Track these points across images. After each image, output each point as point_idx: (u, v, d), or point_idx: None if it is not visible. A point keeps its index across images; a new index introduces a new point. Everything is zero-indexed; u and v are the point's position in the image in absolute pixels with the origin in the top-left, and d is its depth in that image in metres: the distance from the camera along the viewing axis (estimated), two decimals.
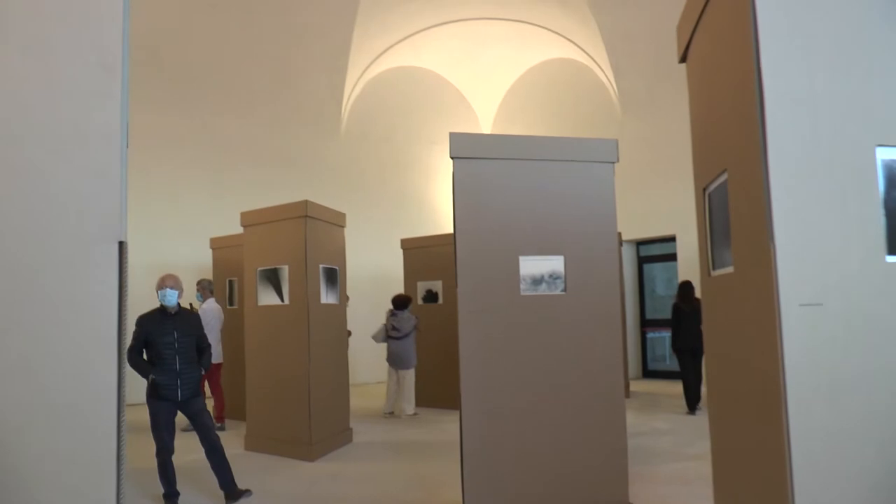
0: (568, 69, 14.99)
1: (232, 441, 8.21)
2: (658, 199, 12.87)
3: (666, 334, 13.70)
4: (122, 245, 1.27)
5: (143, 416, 5.53)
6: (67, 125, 1.28)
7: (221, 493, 5.67)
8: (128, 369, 5.11)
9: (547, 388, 4.89)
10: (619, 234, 10.49)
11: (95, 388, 1.23)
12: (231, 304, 10.09)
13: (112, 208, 1.25)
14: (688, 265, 12.10)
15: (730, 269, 2.41)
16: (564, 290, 4.94)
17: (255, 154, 13.68)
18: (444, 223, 14.86)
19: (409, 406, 9.86)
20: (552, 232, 4.95)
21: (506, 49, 15.29)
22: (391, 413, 10.02)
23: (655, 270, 14.47)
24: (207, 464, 5.67)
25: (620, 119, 13.65)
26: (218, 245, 10.43)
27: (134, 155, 11.39)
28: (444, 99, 16.14)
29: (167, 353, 5.36)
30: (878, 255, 1.94)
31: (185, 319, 5.58)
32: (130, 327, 4.83)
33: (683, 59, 3.14)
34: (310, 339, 7.33)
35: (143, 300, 8.32)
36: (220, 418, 9.18)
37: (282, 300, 7.64)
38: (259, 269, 7.88)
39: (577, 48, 14.39)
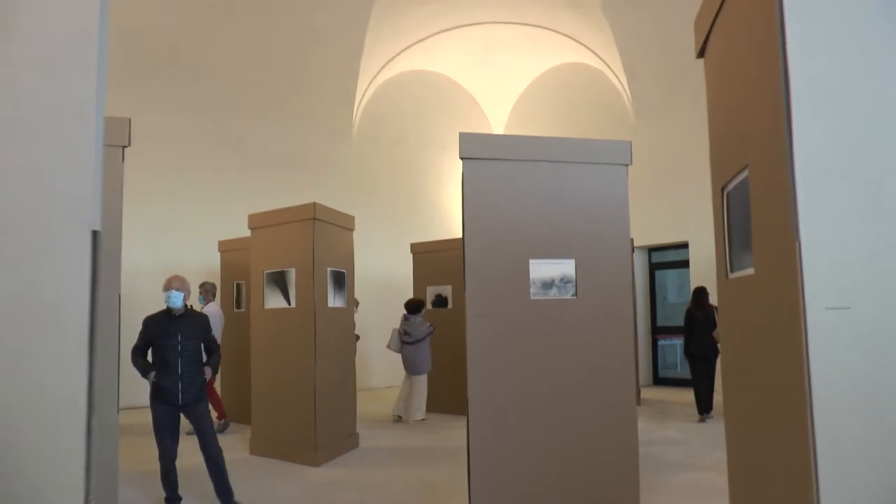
0: (581, 74, 14.88)
1: (237, 445, 8.14)
2: (671, 205, 12.75)
3: (677, 342, 13.61)
4: (95, 235, 1.17)
5: (148, 418, 5.45)
6: (33, 99, 1.18)
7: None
8: (131, 370, 4.97)
9: (556, 395, 4.76)
10: (631, 239, 10.38)
11: (63, 391, 1.13)
12: (238, 307, 10.04)
13: (84, 193, 1.15)
14: (700, 272, 11.97)
15: (750, 271, 2.29)
16: (575, 294, 4.82)
17: (266, 157, 13.63)
18: (454, 228, 14.76)
19: (418, 412, 9.75)
20: (563, 235, 4.84)
21: (518, 53, 15.20)
22: (399, 417, 9.90)
23: (667, 277, 14.33)
24: None
25: (633, 124, 13.52)
26: (226, 248, 10.39)
27: (144, 156, 11.50)
28: (456, 103, 16.07)
29: (170, 355, 5.27)
30: None
31: (191, 322, 5.45)
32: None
33: (701, 55, 3.03)
34: (316, 343, 7.24)
35: (150, 302, 8.28)
36: (223, 415, 9.16)
37: (288, 303, 7.56)
38: (266, 271, 7.80)
39: (591, 52, 14.29)
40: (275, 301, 7.70)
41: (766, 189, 2.03)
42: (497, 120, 16.50)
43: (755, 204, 2.17)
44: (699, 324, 9.41)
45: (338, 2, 12.72)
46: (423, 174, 15.81)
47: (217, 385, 10.20)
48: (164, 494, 5.50)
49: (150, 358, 5.42)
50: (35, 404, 1.11)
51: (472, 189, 4.72)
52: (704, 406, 9.47)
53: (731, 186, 2.55)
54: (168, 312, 5.40)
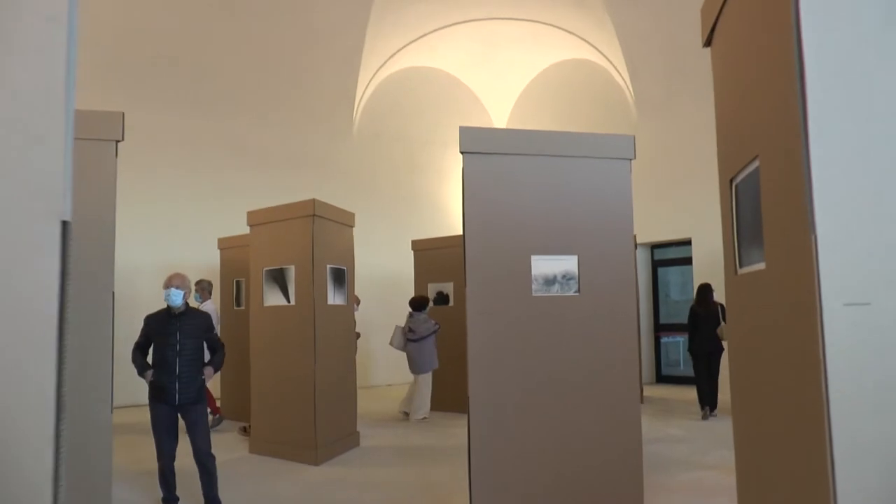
0: (583, 70, 14.80)
1: (236, 444, 8.09)
2: (674, 202, 12.68)
3: (680, 339, 13.58)
4: (65, 225, 1.08)
5: (147, 416, 5.38)
6: None
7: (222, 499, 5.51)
8: (131, 368, 4.89)
9: (559, 393, 4.68)
10: (634, 236, 10.33)
11: (28, 393, 1.05)
12: (238, 304, 9.97)
13: (54, 181, 1.07)
14: (704, 269, 11.90)
15: (760, 266, 2.20)
16: (578, 291, 4.74)
17: (267, 155, 13.58)
18: (455, 226, 14.69)
19: (420, 410, 9.66)
20: (566, 231, 4.75)
21: (520, 49, 15.11)
22: (407, 414, 9.80)
23: (670, 274, 14.26)
24: None
25: (636, 121, 13.43)
26: (225, 245, 10.33)
27: (144, 155, 11.46)
28: (457, 100, 15.97)
29: (168, 354, 5.17)
30: None
31: (191, 320, 5.32)
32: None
33: (708, 44, 2.94)
34: (316, 341, 7.16)
35: (150, 300, 8.23)
36: (216, 410, 9.13)
37: (288, 301, 7.48)
38: (265, 269, 7.72)
39: (593, 49, 14.20)
40: (274, 298, 7.63)
41: (779, 180, 1.94)
42: (499, 117, 16.41)
43: (766, 196, 2.08)
44: (703, 321, 9.40)
45: None
46: (425, 171, 15.73)
47: (217, 383, 10.16)
48: (161, 494, 5.43)
49: (151, 355, 5.33)
50: None
51: (473, 184, 4.63)
52: (706, 403, 9.44)
53: (740, 178, 2.46)
54: (169, 310, 5.31)
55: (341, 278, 7.98)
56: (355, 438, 8.03)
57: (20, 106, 1.07)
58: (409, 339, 9.66)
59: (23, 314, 1.08)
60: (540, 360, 4.64)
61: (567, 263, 4.74)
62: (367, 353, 13.38)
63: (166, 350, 5.17)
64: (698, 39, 3.15)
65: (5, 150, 1.07)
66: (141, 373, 5.25)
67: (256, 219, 7.89)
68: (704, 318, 9.38)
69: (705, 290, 9.58)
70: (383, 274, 13.95)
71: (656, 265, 14.12)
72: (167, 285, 5.24)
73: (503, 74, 15.87)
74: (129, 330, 10.09)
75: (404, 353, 9.93)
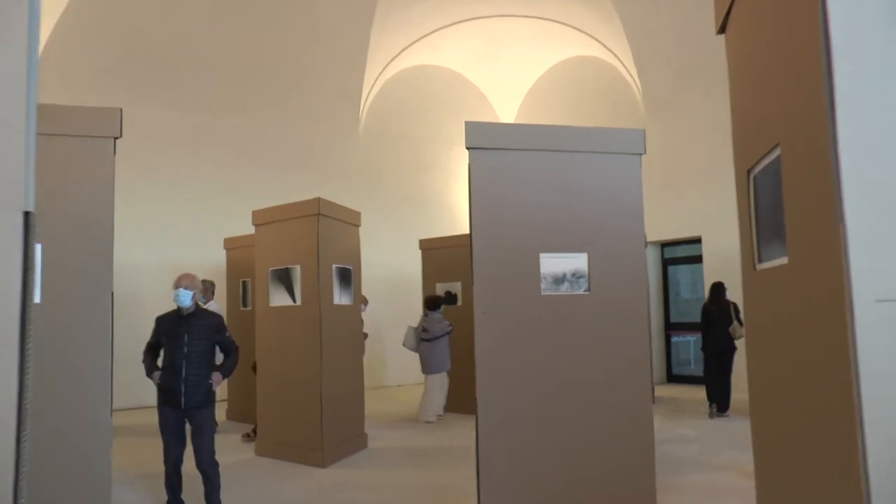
0: (591, 67, 14.68)
1: (243, 446, 8.01)
2: (683, 200, 12.56)
3: (691, 338, 13.48)
4: (28, 217, 0.99)
5: (151, 419, 5.29)
6: None
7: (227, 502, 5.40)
8: (139, 370, 4.78)
9: (569, 394, 4.57)
10: (644, 234, 10.23)
11: None
12: (245, 305, 9.90)
13: (14, 169, 0.98)
14: (714, 267, 11.78)
15: (782, 261, 2.08)
16: (588, 289, 4.63)
17: (272, 154, 13.51)
18: (463, 225, 14.54)
19: (428, 412, 9.55)
20: (575, 228, 4.64)
21: (527, 47, 15.00)
22: (439, 416, 9.66)
23: (680, 273, 14.14)
24: None
25: (644, 118, 13.30)
26: (231, 245, 10.28)
27: (148, 154, 11.41)
28: (464, 98, 15.87)
29: (176, 356, 5.04)
30: None
31: (200, 322, 5.17)
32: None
33: (722, 30, 2.83)
34: (322, 341, 7.07)
35: (155, 302, 8.17)
36: None
37: (294, 301, 7.39)
38: (271, 269, 7.64)
39: (601, 45, 14.08)
40: (280, 299, 7.54)
41: (802, 168, 1.83)
42: (506, 115, 16.30)
43: (788, 186, 1.97)
44: (715, 320, 9.32)
45: None
46: (431, 170, 15.64)
47: (224, 385, 10.10)
48: (166, 498, 5.33)
49: (161, 356, 5.22)
50: None
51: (479, 180, 4.53)
52: (714, 401, 9.40)
53: (758, 169, 2.35)
54: (178, 311, 5.20)
55: (348, 278, 7.89)
56: (363, 440, 7.94)
57: None
58: (422, 338, 9.55)
59: None
60: (549, 361, 4.53)
61: (576, 261, 4.63)
62: (376, 354, 13.31)
63: (174, 352, 5.05)
64: (707, 34, 3.04)
65: None
66: (148, 374, 5.16)
67: (261, 218, 7.81)
68: (717, 316, 9.30)
69: (718, 288, 9.50)
70: (390, 274, 13.88)
71: (666, 263, 14.00)
72: (176, 286, 5.11)
73: (510, 72, 15.77)
74: (134, 332, 10.12)
75: (416, 354, 9.82)
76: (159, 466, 5.26)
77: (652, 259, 13.52)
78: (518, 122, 16.13)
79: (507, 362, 4.47)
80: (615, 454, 4.61)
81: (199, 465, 5.11)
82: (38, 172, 3.46)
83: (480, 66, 15.73)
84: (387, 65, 14.71)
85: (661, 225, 12.40)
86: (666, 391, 12.18)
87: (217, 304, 8.99)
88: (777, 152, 2.07)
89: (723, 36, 2.92)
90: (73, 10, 10.59)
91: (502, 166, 4.56)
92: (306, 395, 7.13)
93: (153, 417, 5.33)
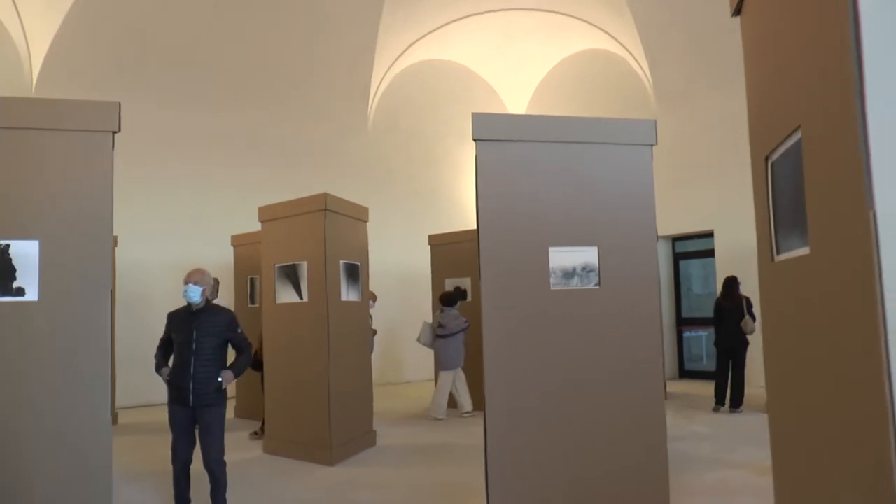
0: (601, 60, 14.55)
1: (251, 444, 7.95)
2: (695, 193, 12.44)
3: (703, 333, 13.38)
4: None
5: (158, 417, 5.20)
6: None
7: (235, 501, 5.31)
8: (149, 368, 4.66)
9: (579, 390, 4.46)
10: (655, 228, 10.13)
11: None
12: (253, 302, 9.86)
13: None
14: (726, 261, 11.66)
15: (803, 251, 1.97)
16: (598, 283, 4.52)
17: (281, 151, 13.46)
18: (473, 220, 14.45)
19: (437, 409, 9.46)
20: (585, 221, 4.53)
21: (536, 40, 14.88)
22: (468, 413, 9.55)
23: (692, 267, 14.03)
24: None
25: (656, 111, 13.15)
26: (239, 242, 10.24)
27: (156, 152, 11.41)
28: (473, 93, 15.75)
29: (184, 352, 4.93)
30: None
31: (210, 318, 5.04)
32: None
33: (737, 12, 2.71)
34: (329, 338, 6.99)
35: (163, 300, 8.11)
36: None
37: (301, 298, 7.31)
38: (277, 265, 7.56)
39: (611, 38, 13.94)
40: (287, 295, 7.46)
41: (826, 151, 1.71)
42: (516, 109, 16.17)
43: (810, 171, 1.85)
44: (728, 314, 9.24)
45: None
46: (440, 165, 15.55)
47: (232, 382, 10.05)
48: (174, 496, 5.24)
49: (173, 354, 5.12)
50: None
51: (487, 173, 4.42)
52: (720, 397, 9.39)
53: (776, 155, 2.23)
54: (188, 308, 5.11)
55: (355, 274, 7.80)
56: (371, 438, 7.86)
57: None
58: (438, 334, 9.47)
59: None
60: (559, 357, 4.43)
61: (586, 255, 4.52)
62: (385, 351, 13.25)
63: (183, 348, 4.95)
64: (718, 25, 2.91)
65: None
66: (157, 370, 5.08)
67: (268, 214, 7.74)
68: (730, 311, 9.23)
69: (732, 282, 9.44)
70: (400, 270, 13.82)
71: (678, 258, 13.89)
72: (185, 281, 5.00)
73: (519, 66, 15.65)
74: (141, 330, 10.12)
75: (427, 351, 9.74)
76: (166, 465, 5.17)
77: (663, 253, 13.41)
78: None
79: (516, 358, 4.37)
80: (627, 452, 4.50)
81: (207, 463, 5.01)
82: (36, 168, 3.39)
83: (490, 61, 15.61)
84: (395, 60, 14.62)
85: (673, 219, 12.27)
86: (678, 387, 12.06)
87: (224, 303, 8.93)
88: (797, 136, 1.95)
89: (736, 25, 2.81)
90: (80, 8, 10.54)
91: (510, 158, 4.46)
92: (314, 392, 7.06)
93: (160, 415, 5.25)
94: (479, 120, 4.45)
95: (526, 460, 4.36)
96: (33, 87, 10.64)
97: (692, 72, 12.64)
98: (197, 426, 5.04)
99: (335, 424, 6.98)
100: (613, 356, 4.50)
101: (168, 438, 5.07)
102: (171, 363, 5.09)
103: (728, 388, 9.29)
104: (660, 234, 11.51)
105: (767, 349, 2.61)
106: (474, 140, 4.42)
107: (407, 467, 6.79)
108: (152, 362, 5.20)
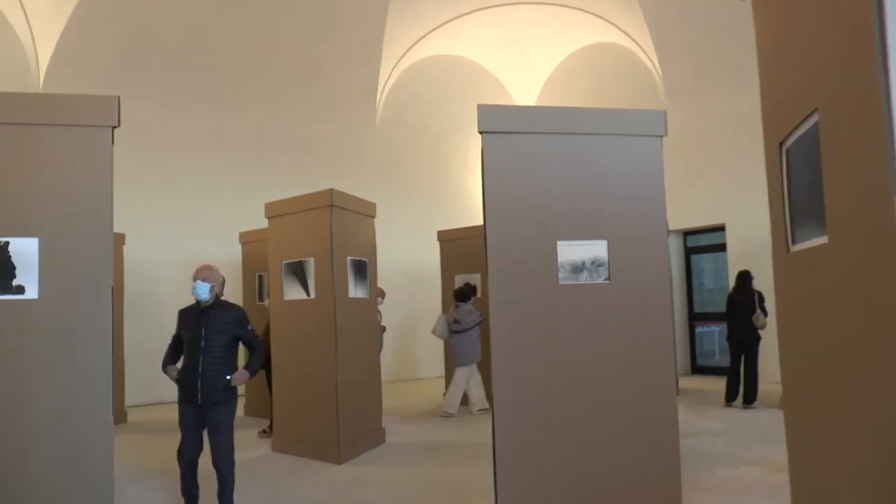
0: (609, 53, 14.43)
1: (259, 442, 7.91)
2: (706, 187, 12.33)
3: (715, 328, 13.26)
4: None
5: (167, 415, 5.14)
6: None
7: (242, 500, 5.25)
8: (153, 369, 4.61)
9: (588, 387, 4.37)
10: (666, 222, 10.04)
11: None
12: (261, 299, 9.82)
13: None
14: (738, 255, 11.54)
15: (821, 241, 1.88)
16: (608, 278, 4.42)
17: (289, 148, 13.41)
18: (481, 216, 14.40)
19: (450, 404, 9.39)
20: (594, 214, 4.43)
21: (544, 34, 14.76)
22: (481, 410, 9.48)
23: (703, 262, 13.90)
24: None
25: (665, 104, 13.02)
26: (247, 240, 10.22)
27: (163, 149, 11.40)
28: (481, 88, 15.65)
29: (193, 350, 4.87)
30: None
31: (219, 315, 4.96)
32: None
33: None
34: (337, 335, 6.93)
35: (172, 298, 8.07)
36: None
37: (308, 294, 7.25)
38: (284, 262, 7.50)
39: (619, 31, 13.82)
40: (294, 292, 7.40)
41: (846, 134, 1.62)
42: (525, 104, 16.06)
43: (828, 155, 1.76)
44: (739, 308, 9.15)
45: None
46: (449, 160, 15.48)
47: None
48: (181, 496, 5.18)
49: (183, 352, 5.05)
50: None
51: (493, 165, 4.34)
52: (731, 394, 9.34)
53: (791, 141, 2.13)
54: (197, 305, 5.04)
55: (363, 270, 7.74)
56: (380, 435, 7.80)
57: None
58: (453, 330, 9.41)
59: None
60: (568, 353, 4.34)
61: (596, 249, 4.43)
62: (396, 347, 13.20)
63: (192, 346, 4.89)
64: (728, 16, 2.81)
65: None
66: (163, 368, 5.00)
67: (274, 211, 7.68)
68: (741, 305, 9.15)
69: (745, 276, 9.36)
70: (409, 266, 13.77)
71: (689, 252, 13.77)
72: (194, 278, 4.94)
73: (528, 60, 15.54)
74: (148, 328, 10.10)
75: (438, 348, 9.67)
76: (175, 464, 5.10)
77: (675, 248, 13.29)
78: None
79: (524, 354, 4.28)
80: (638, 449, 4.41)
81: (215, 462, 4.94)
82: (35, 164, 3.33)
83: (498, 55, 15.52)
84: (402, 56, 14.55)
85: (684, 213, 12.17)
86: (690, 383, 11.94)
87: (231, 301, 8.89)
88: (814, 119, 1.86)
89: (746, 14, 2.72)
90: (85, 8, 10.51)
91: (517, 150, 4.37)
92: (321, 390, 7.00)
93: (170, 413, 5.19)
94: (485, 111, 4.36)
95: (535, 458, 4.28)
96: (40, 86, 10.63)
97: (702, 64, 12.51)
98: (207, 426, 4.97)
99: (343, 422, 6.91)
100: (623, 352, 4.40)
101: (177, 437, 5.02)
102: (181, 362, 5.03)
103: (741, 383, 9.20)
104: (671, 228, 11.41)
105: (783, 343, 2.52)
106: (480, 132, 4.34)
107: (416, 465, 6.72)
108: (161, 360, 5.12)
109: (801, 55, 1.96)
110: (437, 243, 11.25)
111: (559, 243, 4.37)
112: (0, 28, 10.64)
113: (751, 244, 11.06)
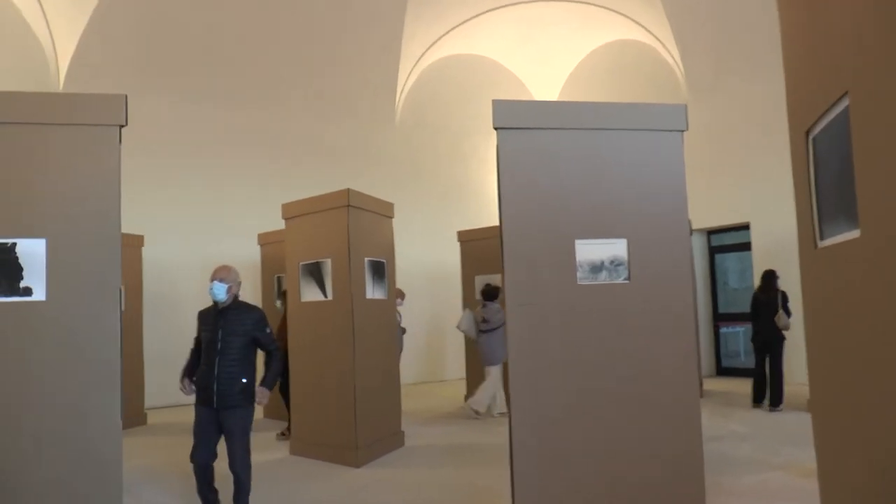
0: (631, 50, 14.27)
1: (277, 444, 7.87)
2: (730, 185, 12.14)
3: (740, 329, 13.06)
4: None
5: (183, 417, 5.09)
6: None
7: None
8: (172, 371, 4.55)
9: (608, 389, 4.25)
10: (689, 221, 9.87)
11: None
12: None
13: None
14: (764, 254, 11.34)
15: (852, 235, 1.76)
16: (628, 278, 4.30)
17: (308, 147, 13.40)
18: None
19: (478, 403, 9.28)
20: (613, 211, 4.31)
21: (565, 32, 14.64)
22: (502, 413, 9.38)
23: (728, 261, 13.69)
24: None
25: (688, 101, 12.84)
26: (266, 241, 10.20)
27: (181, 149, 11.40)
28: (501, 87, 15.55)
29: (210, 352, 4.82)
30: None
31: (236, 316, 4.89)
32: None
33: None
34: (355, 337, 6.85)
35: (192, 299, 8.05)
36: None
37: (325, 296, 7.19)
38: (301, 263, 7.44)
39: (641, 28, 13.66)
40: (311, 294, 7.34)
41: (880, 117, 1.50)
42: None
43: (860, 143, 1.64)
44: (763, 308, 9.04)
45: None
46: (469, 160, 15.39)
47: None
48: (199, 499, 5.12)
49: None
50: None
51: (509, 162, 4.24)
52: (759, 395, 9.20)
53: (818, 129, 2.01)
54: (215, 306, 4.97)
55: (381, 271, 7.66)
56: (399, 438, 7.71)
57: None
58: (481, 329, 9.34)
59: None
60: (587, 354, 4.22)
61: (615, 248, 4.31)
62: (417, 349, 13.11)
63: (209, 348, 4.83)
64: (749, 8, 2.69)
65: None
66: (181, 379, 4.98)
67: (291, 211, 7.63)
68: (765, 304, 9.01)
69: (770, 276, 9.23)
70: (429, 267, 13.70)
71: (713, 251, 13.56)
72: (211, 278, 4.89)
73: (548, 59, 15.42)
74: (166, 330, 10.11)
75: (460, 349, 9.59)
76: (191, 466, 5.05)
77: (699, 247, 13.11)
78: None
79: (542, 356, 4.17)
80: (659, 454, 4.27)
81: (231, 466, 4.87)
82: (41, 164, 3.27)
83: (517, 54, 15.41)
84: (422, 55, 14.50)
85: (708, 211, 11.99)
86: (715, 385, 11.74)
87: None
88: (844, 103, 1.73)
89: (768, 6, 2.60)
90: (105, 8, 10.56)
91: (533, 147, 4.26)
92: (339, 393, 6.93)
93: (189, 415, 5.11)
94: (501, 107, 4.26)
95: (551, 461, 4.16)
96: (60, 87, 10.69)
97: (725, 59, 12.34)
98: (223, 430, 4.90)
99: (361, 425, 6.84)
100: (644, 354, 4.27)
101: (185, 439, 4.96)
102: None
103: (767, 384, 9.02)
104: (695, 227, 11.24)
105: (810, 343, 2.40)
106: (495, 128, 4.24)
107: (435, 469, 6.63)
108: (182, 362, 5.10)
109: (829, 39, 1.84)
110: (457, 244, 11.17)
111: (577, 242, 4.26)
112: (20, 30, 10.71)
113: (776, 243, 10.86)
